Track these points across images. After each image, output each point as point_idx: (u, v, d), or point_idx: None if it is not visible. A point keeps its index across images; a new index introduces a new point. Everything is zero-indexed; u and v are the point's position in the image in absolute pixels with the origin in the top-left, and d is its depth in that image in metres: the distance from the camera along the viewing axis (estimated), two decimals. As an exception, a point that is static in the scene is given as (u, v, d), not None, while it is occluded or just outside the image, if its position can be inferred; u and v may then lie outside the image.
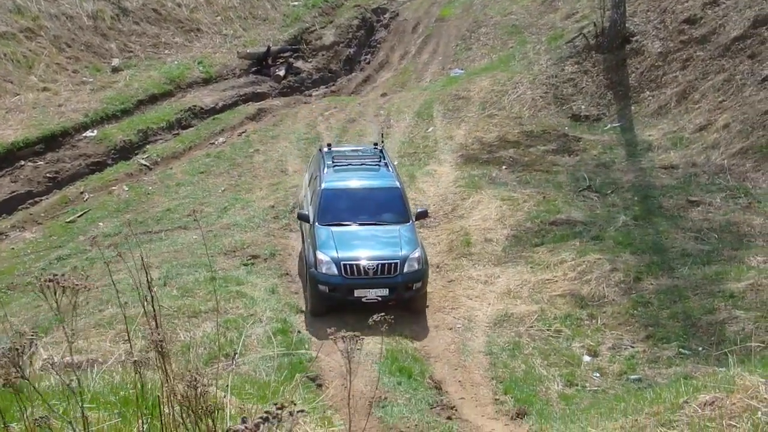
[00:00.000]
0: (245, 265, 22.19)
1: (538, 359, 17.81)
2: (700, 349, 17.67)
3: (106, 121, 34.08)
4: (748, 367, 11.82)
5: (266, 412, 3.31)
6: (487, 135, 30.93)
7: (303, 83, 41.19)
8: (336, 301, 19.19)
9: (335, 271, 18.93)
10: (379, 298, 18.89)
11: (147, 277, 5.10)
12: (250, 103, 38.01)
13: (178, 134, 34.75)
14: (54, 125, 32.48)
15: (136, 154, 32.79)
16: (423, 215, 21.35)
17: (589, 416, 12.70)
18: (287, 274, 21.86)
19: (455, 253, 22.56)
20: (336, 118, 35.00)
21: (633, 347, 18.18)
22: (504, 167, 28.25)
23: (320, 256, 19.13)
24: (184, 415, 4.33)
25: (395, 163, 29.50)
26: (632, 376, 16.95)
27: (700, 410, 9.91)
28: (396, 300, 19.17)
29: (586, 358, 17.89)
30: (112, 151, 32.53)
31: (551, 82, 33.90)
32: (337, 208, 20.46)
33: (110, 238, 24.20)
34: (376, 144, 23.30)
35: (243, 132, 34.67)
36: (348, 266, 18.97)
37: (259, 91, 39.52)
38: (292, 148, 32.37)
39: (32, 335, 4.49)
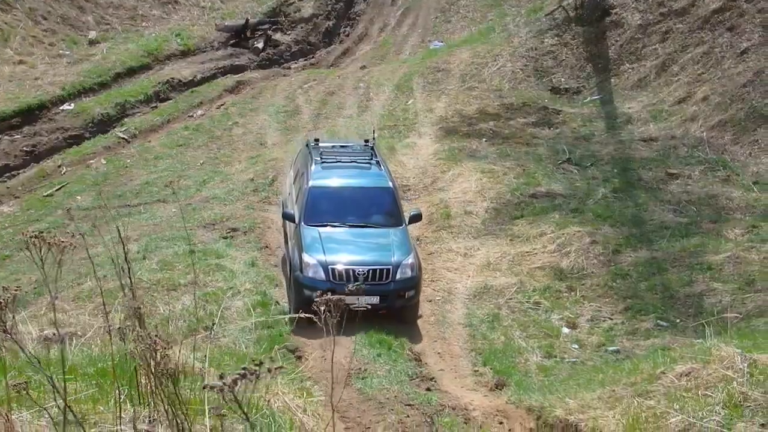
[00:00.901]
0: (224, 238, 22.11)
1: (517, 331, 17.86)
2: (678, 321, 17.78)
3: (83, 94, 33.81)
4: (724, 338, 11.91)
5: (243, 368, 3.30)
6: (467, 108, 30.87)
7: (282, 56, 40.96)
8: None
9: (322, 275, 17.52)
10: (369, 306, 16.88)
11: (123, 248, 5.07)
12: (229, 75, 37.78)
13: (156, 107, 34.52)
14: (31, 98, 32.21)
15: (114, 127, 32.54)
16: (416, 218, 20.09)
17: (568, 387, 12.78)
18: (267, 247, 21.80)
19: (435, 225, 22.56)
20: (315, 90, 34.85)
21: (611, 319, 18.26)
22: (484, 140, 28.21)
23: (307, 258, 17.87)
24: (156, 382, 4.32)
25: (375, 136, 29.45)
26: (610, 348, 17.04)
27: (676, 381, 9.99)
28: (387, 309, 17.90)
29: (565, 330, 17.96)
30: (90, 125, 32.27)
31: (531, 54, 33.82)
32: (325, 208, 19.20)
33: (88, 211, 24.04)
34: (366, 141, 21.89)
35: (222, 105, 34.50)
36: (336, 271, 17.61)
37: (237, 63, 39.29)
38: (271, 121, 32.24)
39: (16, 290, 4.44)
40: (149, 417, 5.44)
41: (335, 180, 19.89)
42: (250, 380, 3.28)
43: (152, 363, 4.07)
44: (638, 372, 11.44)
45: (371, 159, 20.66)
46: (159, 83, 35.81)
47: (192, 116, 33.71)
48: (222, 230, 22.61)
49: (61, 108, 32.58)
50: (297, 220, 18.96)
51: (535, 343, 17.37)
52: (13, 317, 4.51)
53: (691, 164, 24.94)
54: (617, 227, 21.75)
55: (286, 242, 20.07)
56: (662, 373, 10.57)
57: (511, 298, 19.20)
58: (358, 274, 17.55)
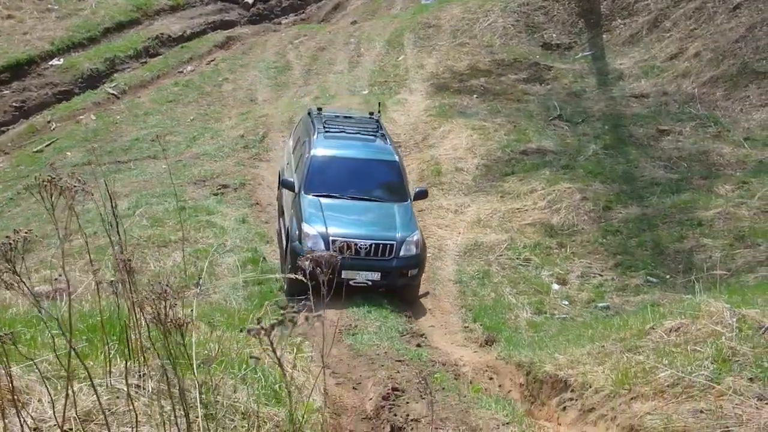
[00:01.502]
0: (215, 194, 22.07)
1: (507, 287, 17.89)
2: (668, 276, 17.84)
3: (72, 49, 33.67)
4: (713, 294, 11.93)
5: (282, 314, 3.31)
6: (458, 64, 30.75)
7: (272, 11, 40.77)
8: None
9: (322, 246, 16.28)
10: (369, 283, 16.74)
11: (112, 203, 5.05)
12: (219, 31, 37.66)
13: (145, 63, 34.41)
14: (19, 53, 32.06)
15: (104, 82, 32.43)
16: (422, 195, 19.04)
17: (557, 343, 12.82)
18: (257, 203, 21.77)
19: (425, 182, 22.53)
20: (306, 46, 34.72)
21: (601, 275, 18.31)
22: (475, 96, 28.14)
23: (306, 229, 16.82)
24: (152, 335, 4.32)
25: (365, 92, 29.34)
26: (600, 304, 17.09)
27: (665, 336, 10.03)
28: (387, 287, 17.16)
29: (555, 286, 18.00)
30: (79, 80, 32.15)
31: (522, 10, 33.64)
32: (327, 177, 18.14)
33: (78, 167, 23.96)
34: (371, 113, 20.87)
35: (212, 60, 34.38)
36: (337, 243, 16.35)
37: (227, 18, 39.13)
38: (261, 77, 32.13)
39: (26, 233, 4.41)
40: (139, 371, 5.46)
41: (339, 150, 18.77)
42: (286, 327, 3.30)
43: (161, 313, 4.07)
44: (627, 328, 11.47)
45: (376, 131, 19.65)
46: (148, 38, 35.67)
47: (182, 72, 33.59)
48: (212, 187, 22.57)
49: (50, 63, 32.43)
50: (297, 189, 17.94)
51: (525, 299, 17.41)
52: (23, 259, 4.50)
53: (682, 120, 24.92)
54: (608, 184, 21.76)
55: (281, 214, 19.35)
56: (651, 328, 10.61)
57: (501, 255, 19.22)
58: (360, 248, 16.57)
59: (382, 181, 18.71)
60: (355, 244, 16.52)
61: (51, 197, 3.82)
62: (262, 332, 3.32)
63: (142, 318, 4.45)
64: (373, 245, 16.72)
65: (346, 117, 21.07)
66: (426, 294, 17.98)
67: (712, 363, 8.63)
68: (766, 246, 17.67)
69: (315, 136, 18.85)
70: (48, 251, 18.42)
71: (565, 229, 20.10)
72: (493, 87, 28.79)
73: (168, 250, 18.51)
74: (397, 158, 19.07)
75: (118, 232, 4.86)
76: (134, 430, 4.66)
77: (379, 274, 16.75)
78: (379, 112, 21.01)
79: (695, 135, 23.97)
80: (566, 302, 17.37)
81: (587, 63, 30.42)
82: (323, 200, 17.64)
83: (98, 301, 5.16)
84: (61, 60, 32.71)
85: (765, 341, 8.70)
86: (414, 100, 28.26)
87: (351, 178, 18.33)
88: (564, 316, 16.80)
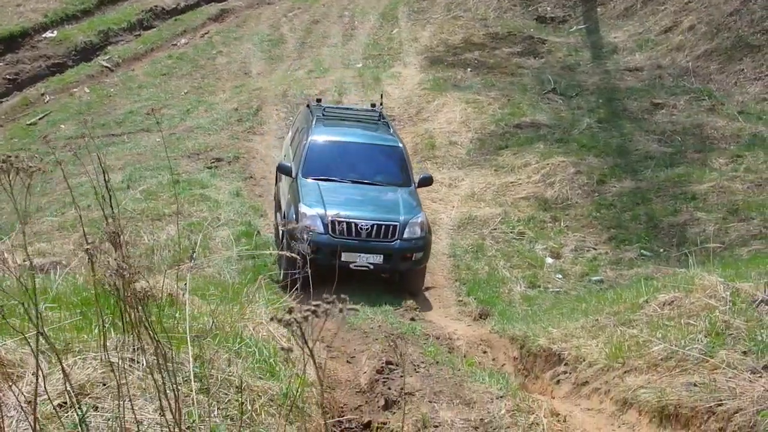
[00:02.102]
0: (209, 168, 22.04)
1: (501, 261, 17.91)
2: (662, 250, 17.87)
3: (66, 21, 33.46)
4: (707, 267, 11.97)
5: (315, 305, 3.28)
6: (452, 37, 30.67)
7: (266, -16, 40.52)
8: (318, 266, 15.17)
9: (320, 228, 15.58)
10: (371, 266, 15.84)
11: (105, 177, 5.03)
12: (213, 3, 37.41)
13: (139, 35, 34.23)
14: (13, 26, 31.86)
15: (98, 55, 32.30)
16: (427, 182, 17.87)
17: (551, 317, 12.85)
18: (251, 177, 21.75)
19: (420, 156, 22.52)
20: (300, 19, 34.60)
21: (595, 249, 18.34)
22: (469, 70, 28.08)
23: (303, 209, 15.90)
24: (140, 309, 4.32)
25: (359, 65, 29.26)
26: (594, 278, 17.13)
27: (659, 310, 10.06)
28: (390, 271, 16.36)
29: (549, 260, 18.03)
30: (73, 53, 32.00)
31: (517, -18, 33.53)
32: (325, 161, 17.34)
33: (72, 140, 23.92)
34: (373, 104, 20.04)
35: (205, 33, 34.23)
36: (337, 223, 15.68)
37: (221, -9, 38.91)
38: (255, 50, 32.02)
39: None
40: (133, 345, 5.46)
41: (339, 134, 18.13)
42: (320, 317, 3.26)
43: (120, 290, 4.06)
44: (621, 301, 11.50)
45: (378, 120, 18.89)
46: (142, 11, 35.46)
47: (176, 45, 33.46)
48: (206, 160, 22.53)
49: (43, 35, 32.26)
50: (294, 174, 16.98)
51: (519, 273, 17.43)
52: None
53: (676, 94, 24.90)
54: (602, 157, 21.76)
55: (278, 209, 18.19)
56: (645, 302, 10.63)
57: (495, 229, 19.23)
58: (360, 228, 15.75)
59: (384, 167, 17.81)
60: (356, 225, 15.76)
61: (9, 177, 3.78)
62: (295, 323, 3.28)
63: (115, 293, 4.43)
64: (375, 226, 15.86)
65: (346, 108, 20.71)
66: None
67: (706, 336, 8.65)
68: (759, 219, 17.70)
69: (314, 123, 18.08)
70: (41, 225, 18.41)
71: (559, 202, 20.11)
72: (487, 60, 28.73)
73: (162, 224, 18.48)
74: (400, 144, 18.25)
75: (111, 205, 4.84)
76: (116, 403, 4.66)
77: (382, 256, 15.86)
78: (381, 104, 19.86)
79: (689, 108, 23.96)
80: (560, 276, 17.40)
81: (581, 36, 30.36)
82: (322, 184, 16.77)
83: (92, 274, 5.15)
84: (55, 32, 32.54)
85: (758, 314, 8.72)
86: (408, 74, 28.20)
87: (351, 163, 17.56)
88: (558, 289, 16.83)
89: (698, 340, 8.60)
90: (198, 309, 7.48)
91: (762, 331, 8.29)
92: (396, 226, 15.94)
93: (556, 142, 22.76)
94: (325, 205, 15.92)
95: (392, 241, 15.91)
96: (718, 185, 19.26)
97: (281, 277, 14.93)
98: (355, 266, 15.68)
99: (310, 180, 16.81)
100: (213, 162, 22.38)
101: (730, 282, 9.78)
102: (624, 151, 22.10)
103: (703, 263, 13.43)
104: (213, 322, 6.70)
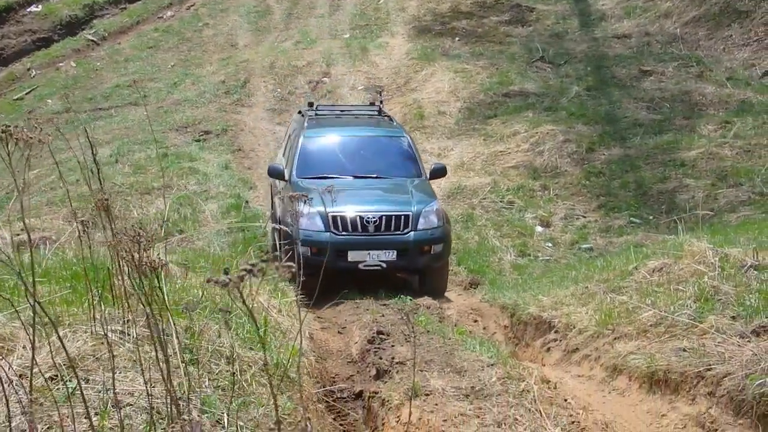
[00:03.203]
0: (197, 141, 22.02)
1: (491, 230, 17.93)
2: (651, 217, 17.91)
3: (50, -5, 33.33)
4: (696, 233, 12.00)
5: (251, 264, 3.27)
6: (439, 6, 30.58)
7: (252, -46, 40.28)
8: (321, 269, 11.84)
9: (320, 225, 13.37)
10: (383, 265, 13.44)
11: (92, 150, 5.01)
12: (198, -25, 37.23)
13: (125, 8, 34.06)
14: (-3, 0, 31.73)
15: (83, 29, 32.17)
16: (440, 173, 15.39)
17: (541, 285, 12.89)
18: (240, 149, 21.72)
19: (408, 126, 22.46)
20: (287, -10, 34.47)
21: (585, 217, 18.37)
22: (457, 39, 28.02)
23: (300, 208, 13.06)
24: (133, 281, 4.31)
25: (346, 36, 29.15)
26: (584, 246, 17.16)
27: (648, 276, 10.09)
28: (406, 268, 14.03)
29: (539, 229, 18.05)
30: (58, 27, 31.87)
31: (504, -49, 33.38)
32: (321, 158, 15.25)
33: (59, 114, 23.86)
34: (372, 103, 18.44)
35: (191, 5, 34.06)
36: (340, 218, 13.40)
37: (207, -38, 38.67)
38: (242, 22, 31.89)
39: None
40: (123, 318, 5.46)
41: (334, 131, 16.17)
42: (256, 276, 3.23)
43: (135, 256, 4.05)
44: (611, 268, 11.54)
45: (379, 114, 16.94)
46: (127, -16, 35.28)
47: (162, 17, 33.31)
48: (194, 133, 22.51)
49: (28, 10, 32.10)
50: (287, 176, 14.82)
51: (509, 242, 17.46)
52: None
53: (664, 61, 24.88)
54: (591, 125, 21.75)
55: (273, 211, 16.34)
56: (635, 269, 10.67)
57: (484, 198, 19.23)
58: (367, 221, 13.44)
59: (389, 158, 15.60)
60: (362, 218, 13.44)
61: (8, 147, 3.75)
62: (231, 283, 3.26)
63: (123, 264, 4.42)
64: (384, 217, 13.53)
65: (341, 106, 19.14)
66: None
67: (695, 302, 8.68)
68: (748, 185, 17.74)
69: (306, 123, 15.93)
70: (30, 200, 18.36)
71: (548, 171, 20.12)
72: (475, 29, 28.66)
73: (151, 198, 18.47)
74: (404, 133, 16.32)
75: (99, 179, 4.83)
76: (107, 375, 4.68)
77: (394, 252, 13.43)
78: (381, 102, 17.85)
79: (678, 75, 23.95)
80: (550, 244, 17.44)
81: (569, 4, 30.28)
82: (320, 182, 14.12)
83: (81, 247, 5.14)
84: (39, 6, 32.38)
85: (747, 280, 8.76)
86: (396, 44, 28.12)
87: (351, 157, 15.36)
88: (547, 258, 16.87)
89: (687, 306, 8.63)
90: (188, 281, 7.49)
91: (750, 295, 8.34)
92: (408, 215, 13.60)
93: (545, 110, 22.75)
94: (324, 202, 13.04)
95: (406, 234, 13.54)
96: (707, 152, 19.27)
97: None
98: (364, 266, 13.41)
99: (305, 181, 14.34)
100: (201, 135, 22.36)
101: (719, 248, 9.82)
102: (613, 118, 22.10)
103: (692, 229, 13.49)
104: (203, 293, 6.70)
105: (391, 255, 13.39)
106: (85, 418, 4.24)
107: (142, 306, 4.25)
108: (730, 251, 9.59)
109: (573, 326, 10.19)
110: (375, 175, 14.98)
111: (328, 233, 13.23)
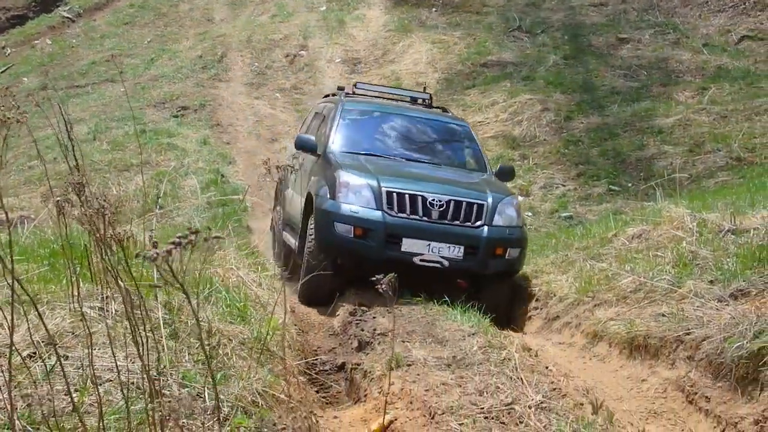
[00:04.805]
0: (175, 116, 21.95)
1: (471, 200, 17.93)
2: (630, 185, 17.97)
3: (23, -28, 33.06)
4: (674, 200, 12.07)
5: (179, 236, 3.23)
6: (416, -23, 30.48)
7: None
8: (365, 259, 10.48)
9: (371, 201, 10.59)
10: (445, 263, 10.48)
11: (67, 127, 4.99)
12: (173, -51, 36.97)
13: (100, -16, 33.86)
14: (-31, -22, 31.47)
15: (58, 6, 31.98)
16: (508, 174, 12.61)
17: (522, 253, 12.91)
18: (218, 124, 21.66)
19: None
20: (262, -37, 34.27)
21: (564, 185, 18.41)
22: (434, 10, 27.95)
23: (345, 177, 10.83)
24: (101, 256, 4.30)
25: (323, 8, 29.02)
26: (564, 214, 17.22)
27: (628, 243, 10.15)
28: (472, 271, 10.73)
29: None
30: (33, 4, 31.68)
31: None
32: (368, 134, 12.65)
33: (36, 92, 23.71)
34: (425, 89, 15.80)
35: (166, -20, 33.88)
36: (396, 195, 10.60)
37: (181, -64, 38.40)
38: (218, -4, 31.76)
39: None
40: (102, 294, 5.45)
41: (383, 107, 13.51)
42: (185, 248, 3.19)
43: (101, 229, 4.03)
44: (590, 236, 11.60)
45: (430, 101, 14.44)
46: (101, -41, 35.02)
47: (137, -8, 33.14)
48: (172, 109, 22.43)
49: (1, -13, 31.86)
50: (321, 150, 12.01)
51: (489, 211, 17.46)
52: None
53: (641, 28, 24.91)
54: (568, 94, 21.78)
55: (277, 203, 14.44)
56: (614, 236, 10.73)
57: (464, 168, 19.23)
58: (431, 204, 10.59)
59: (449, 147, 13.03)
60: (425, 199, 10.61)
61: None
62: (160, 258, 3.23)
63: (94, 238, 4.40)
64: (453, 202, 10.67)
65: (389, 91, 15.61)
66: None
67: (674, 267, 8.73)
68: (725, 151, 17.80)
69: (342, 98, 13.30)
70: (8, 178, 18.29)
71: (527, 140, 20.14)
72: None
73: (130, 174, 18.42)
74: (467, 123, 14.05)
75: (75, 156, 4.81)
76: (86, 352, 4.68)
77: (461, 249, 10.49)
78: (429, 96, 14.75)
79: (654, 42, 23.99)
80: (530, 213, 17.47)
81: (545, -28, 30.22)
82: (365, 157, 11.83)
83: (59, 225, 5.13)
84: (13, -16, 32.14)
85: (724, 244, 8.81)
86: (373, 15, 28.03)
87: (405, 139, 12.75)
88: (528, 226, 16.91)
89: (666, 272, 8.68)
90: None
91: (728, 260, 8.38)
92: (483, 206, 10.77)
93: (523, 80, 22.76)
94: (375, 174, 10.88)
95: (478, 228, 10.67)
96: (684, 118, 19.33)
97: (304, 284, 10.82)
98: (420, 261, 10.47)
99: (347, 155, 11.79)
100: (179, 110, 22.29)
101: (697, 213, 9.87)
102: (590, 87, 22.13)
103: (670, 196, 13.54)
104: (182, 268, 6.68)
105: (456, 251, 10.48)
106: (65, 395, 4.24)
107: (120, 282, 4.24)
108: (707, 216, 9.64)
109: (553, 294, 10.26)
110: (434, 162, 12.36)
111: (380, 212, 10.50)
